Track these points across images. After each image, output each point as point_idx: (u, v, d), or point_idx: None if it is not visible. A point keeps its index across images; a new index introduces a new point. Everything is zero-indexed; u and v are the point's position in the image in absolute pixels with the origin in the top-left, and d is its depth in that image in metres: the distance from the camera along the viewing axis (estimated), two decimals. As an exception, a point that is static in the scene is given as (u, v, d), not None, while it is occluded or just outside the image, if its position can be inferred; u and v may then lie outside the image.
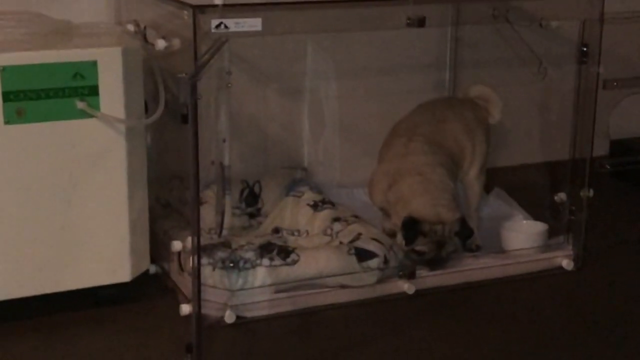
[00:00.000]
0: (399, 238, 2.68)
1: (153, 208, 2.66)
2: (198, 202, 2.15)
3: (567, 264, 2.84)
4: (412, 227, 2.64)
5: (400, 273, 2.66)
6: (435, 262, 2.70)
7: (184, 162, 2.60)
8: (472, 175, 2.91)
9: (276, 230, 2.92)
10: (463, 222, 2.68)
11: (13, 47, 2.35)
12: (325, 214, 2.87)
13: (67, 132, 2.37)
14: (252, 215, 3.01)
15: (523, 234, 2.91)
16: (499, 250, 2.87)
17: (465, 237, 2.70)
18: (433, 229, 2.64)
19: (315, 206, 2.91)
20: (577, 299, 2.72)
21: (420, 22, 2.48)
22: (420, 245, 2.66)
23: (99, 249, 2.46)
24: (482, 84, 3.04)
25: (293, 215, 2.94)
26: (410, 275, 2.65)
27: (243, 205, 3.01)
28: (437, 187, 2.71)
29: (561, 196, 2.89)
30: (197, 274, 2.18)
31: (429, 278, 2.69)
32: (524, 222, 3.00)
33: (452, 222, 2.66)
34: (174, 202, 2.89)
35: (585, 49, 2.73)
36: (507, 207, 3.12)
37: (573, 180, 2.86)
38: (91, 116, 2.38)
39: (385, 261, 2.63)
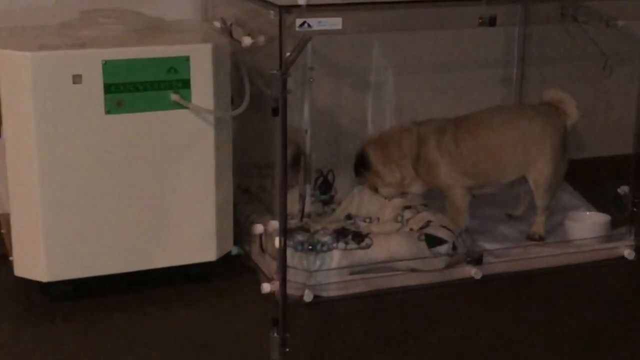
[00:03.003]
0: None
1: (234, 194, 2.79)
2: (286, 189, 2.29)
3: (628, 253, 2.92)
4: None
5: (469, 259, 2.79)
6: None
7: (265, 151, 2.76)
8: (534, 171, 2.93)
9: (349, 217, 3.06)
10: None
11: (113, 43, 2.51)
12: (396, 202, 2.98)
13: (161, 121, 2.54)
14: (325, 203, 3.16)
15: (586, 224, 2.99)
16: (563, 240, 2.97)
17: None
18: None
19: (386, 194, 3.03)
20: (638, 287, 2.81)
21: (492, 21, 2.59)
22: None
23: (188, 230, 2.63)
24: (554, 88, 3.05)
25: (365, 203, 3.06)
26: (478, 261, 2.78)
27: (317, 192, 3.15)
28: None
29: (624, 189, 2.97)
30: (282, 255, 2.33)
31: (496, 264, 2.80)
32: (588, 213, 3.08)
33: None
34: (253, 189, 3.06)
35: (651, 48, 2.81)
36: (571, 199, 3.19)
37: (637, 173, 2.94)
38: (183, 107, 2.54)
39: (454, 247, 2.76)
